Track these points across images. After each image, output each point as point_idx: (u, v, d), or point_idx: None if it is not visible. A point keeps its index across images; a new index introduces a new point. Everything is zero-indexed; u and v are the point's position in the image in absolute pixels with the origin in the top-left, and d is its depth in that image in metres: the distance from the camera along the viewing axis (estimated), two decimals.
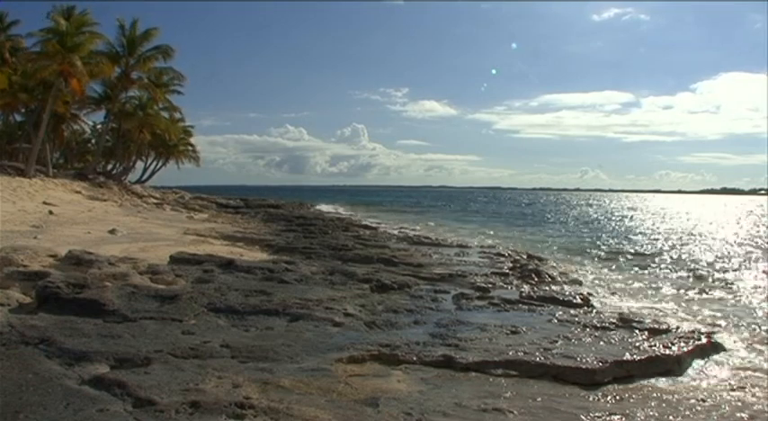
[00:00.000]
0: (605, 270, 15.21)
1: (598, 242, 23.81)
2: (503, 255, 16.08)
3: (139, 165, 50.44)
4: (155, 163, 50.26)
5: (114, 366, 5.38)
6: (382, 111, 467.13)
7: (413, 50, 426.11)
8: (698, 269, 15.90)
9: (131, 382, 4.87)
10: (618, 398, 5.39)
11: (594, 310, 8.97)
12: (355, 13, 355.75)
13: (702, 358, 6.69)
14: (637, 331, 7.45)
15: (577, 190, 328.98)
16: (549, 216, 47.88)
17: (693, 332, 7.50)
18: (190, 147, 52.42)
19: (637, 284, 12.82)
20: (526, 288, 10.55)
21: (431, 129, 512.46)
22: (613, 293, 11.31)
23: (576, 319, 8.11)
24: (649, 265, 16.39)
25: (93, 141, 52.21)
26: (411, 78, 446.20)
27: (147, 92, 40.16)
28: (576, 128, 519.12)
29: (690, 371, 6.31)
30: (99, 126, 47.01)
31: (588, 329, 7.56)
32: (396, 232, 22.94)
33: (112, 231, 15.53)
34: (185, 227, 19.38)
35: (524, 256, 16.08)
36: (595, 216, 51.36)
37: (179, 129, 47.86)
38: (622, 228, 34.48)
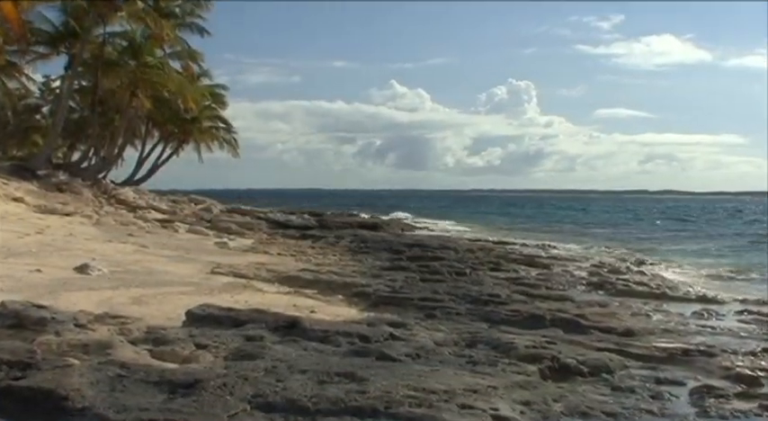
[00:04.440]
0: None
1: None
2: None
3: (131, 154, 48.43)
4: (160, 150, 48.09)
5: None
6: (568, 58, 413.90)
7: None
8: None
9: None
10: None
11: None
12: None
13: None
14: None
15: None
16: None
17: None
18: (221, 125, 49.91)
19: None
20: None
21: (657, 90, 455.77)
22: None
23: None
24: None
25: (45, 110, 49.05)
26: None
27: (142, 25, 37.38)
28: None
29: None
30: (56, 84, 45.01)
31: None
32: (584, 274, 20.52)
33: (83, 268, 14.12)
34: (214, 260, 18.07)
35: None
36: None
37: (201, 91, 45.08)
38: None
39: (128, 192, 36.53)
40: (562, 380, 8.47)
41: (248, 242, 25.90)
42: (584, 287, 18.13)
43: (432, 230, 42.26)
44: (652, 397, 8.09)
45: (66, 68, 39.37)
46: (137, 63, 39.39)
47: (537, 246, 31.11)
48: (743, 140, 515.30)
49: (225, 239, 25.40)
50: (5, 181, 29.11)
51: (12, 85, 41.56)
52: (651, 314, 14.14)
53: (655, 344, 10.73)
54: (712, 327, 12.84)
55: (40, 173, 34.01)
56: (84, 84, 42.33)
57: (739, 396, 8.30)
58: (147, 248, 19.91)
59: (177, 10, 39.52)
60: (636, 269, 22.72)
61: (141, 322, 9.57)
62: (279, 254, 22.03)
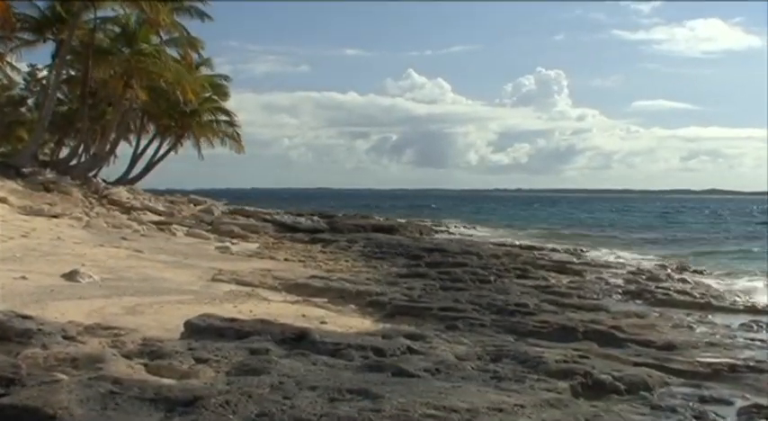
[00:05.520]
0: None
1: None
2: None
3: (125, 150, 48.30)
4: (157, 146, 48.11)
5: None
6: (603, 44, 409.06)
7: None
8: None
9: None
10: None
11: None
12: None
13: None
14: None
15: None
16: None
17: None
18: (223, 117, 49.58)
19: None
20: None
21: (702, 79, 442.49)
22: None
23: None
24: None
25: (30, 103, 48.80)
26: None
27: (137, 9, 37.56)
28: None
29: None
30: (42, 75, 45.10)
31: None
32: (620, 282, 20.60)
33: (72, 275, 14.13)
34: (215, 266, 18.27)
35: None
36: None
37: (201, 81, 44.91)
38: None
39: (121, 192, 36.61)
40: (596, 397, 8.36)
41: (252, 246, 26.09)
42: (620, 296, 18.13)
43: (452, 233, 42.43)
44: (695, 417, 7.97)
45: (53, 57, 39.43)
46: (130, 51, 39.13)
47: (568, 250, 31.21)
48: None
49: (227, 243, 25.63)
50: None
51: None
52: (694, 326, 14.13)
53: (698, 358, 10.60)
54: (762, 341, 12.68)
55: (26, 171, 33.92)
56: (72, 73, 42.36)
57: None
58: (142, 253, 20.02)
59: None
60: (677, 276, 22.72)
61: (136, 334, 9.54)
62: (286, 259, 22.25)
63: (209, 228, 30.67)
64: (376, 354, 9.09)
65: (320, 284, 16.26)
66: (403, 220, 44.68)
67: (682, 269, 25.00)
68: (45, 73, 43.77)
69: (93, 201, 33.47)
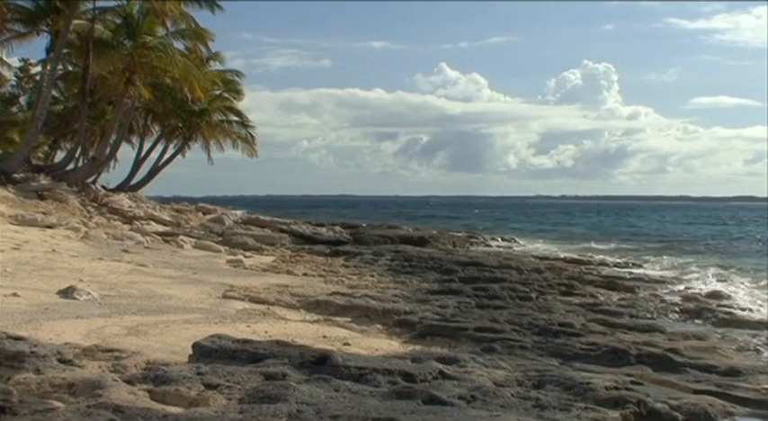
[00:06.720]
0: None
1: None
2: None
3: (127, 154, 48.52)
4: (162, 149, 48.44)
5: None
6: (658, 34, 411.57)
7: None
8: None
9: None
10: None
11: None
12: None
13: None
14: None
15: None
16: None
17: None
18: (234, 118, 49.67)
19: None
20: None
21: None
22: None
23: None
24: None
25: (22, 101, 49.22)
26: None
27: None
28: None
29: None
30: (35, 70, 45.48)
31: None
32: (678, 299, 20.32)
33: (68, 292, 14.21)
34: (226, 282, 18.38)
35: None
36: None
37: (211, 77, 44.60)
38: None
39: (122, 200, 36.85)
40: None
41: (268, 260, 26.30)
42: (677, 315, 17.96)
43: (489, 246, 42.34)
44: None
45: (47, 50, 39.34)
46: (133, 44, 38.68)
47: (618, 264, 31.11)
48: None
49: (239, 257, 25.75)
50: None
51: None
52: (761, 348, 13.85)
53: (766, 385, 10.38)
54: None
55: (17, 176, 34.05)
56: (69, 69, 42.68)
57: None
58: (145, 267, 20.09)
59: None
60: (742, 293, 22.36)
61: (139, 357, 9.46)
62: (305, 274, 22.25)
63: (220, 239, 30.75)
64: (405, 380, 8.96)
65: (343, 302, 16.22)
66: (434, 231, 44.66)
67: (747, 284, 24.59)
68: (39, 68, 43.97)
69: (92, 209, 33.62)
